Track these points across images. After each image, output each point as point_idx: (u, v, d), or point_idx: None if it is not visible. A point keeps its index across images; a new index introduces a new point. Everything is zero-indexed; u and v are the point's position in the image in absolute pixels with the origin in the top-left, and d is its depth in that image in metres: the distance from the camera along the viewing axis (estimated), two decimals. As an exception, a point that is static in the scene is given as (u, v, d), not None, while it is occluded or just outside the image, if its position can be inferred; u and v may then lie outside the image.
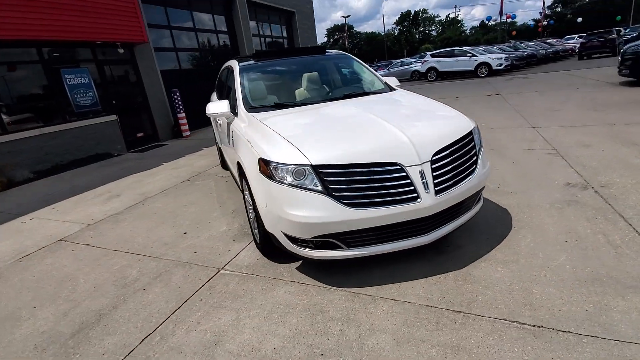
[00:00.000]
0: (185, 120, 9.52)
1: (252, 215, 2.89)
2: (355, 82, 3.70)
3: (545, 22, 40.20)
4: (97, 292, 2.59)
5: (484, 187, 2.55)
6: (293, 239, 2.20)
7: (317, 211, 2.01)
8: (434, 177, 2.11)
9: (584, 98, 7.62)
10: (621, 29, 23.06)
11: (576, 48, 21.82)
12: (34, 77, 6.83)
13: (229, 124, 3.32)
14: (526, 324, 1.79)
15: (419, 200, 2.05)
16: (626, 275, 2.05)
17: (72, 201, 4.93)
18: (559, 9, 56.19)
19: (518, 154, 4.49)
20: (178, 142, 9.06)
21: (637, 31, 23.54)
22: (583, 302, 1.89)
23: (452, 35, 59.97)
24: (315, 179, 2.05)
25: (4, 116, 6.37)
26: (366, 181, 2.05)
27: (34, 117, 6.79)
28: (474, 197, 2.44)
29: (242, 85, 3.28)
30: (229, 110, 3.15)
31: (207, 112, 3.22)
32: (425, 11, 73.38)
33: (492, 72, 16.41)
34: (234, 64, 3.70)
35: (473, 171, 2.34)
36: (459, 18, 71.83)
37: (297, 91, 3.34)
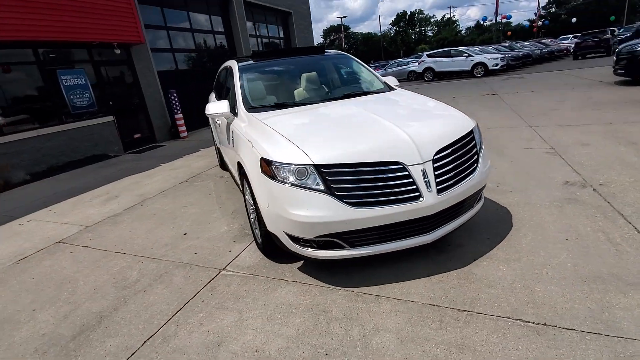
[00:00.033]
0: (182, 121, 9.48)
1: (252, 215, 2.88)
2: (354, 82, 3.70)
3: (540, 23, 40.49)
4: (97, 294, 2.57)
5: (484, 186, 2.56)
6: (295, 239, 2.19)
7: (320, 211, 2.01)
8: (436, 176, 2.12)
9: (580, 97, 7.67)
10: (615, 29, 23.26)
11: (571, 48, 21.98)
12: (29, 78, 6.77)
13: (228, 124, 3.31)
14: (529, 322, 1.79)
15: (421, 199, 2.05)
16: (627, 273, 2.06)
17: (70, 203, 4.89)
18: (554, 10, 56.63)
19: (516, 153, 4.52)
20: (175, 143, 9.02)
21: (630, 31, 23.77)
22: (585, 299, 1.90)
23: (447, 35, 60.26)
24: (318, 178, 2.04)
25: (-1, 118, 6.32)
26: (368, 180, 2.05)
27: (30, 119, 6.73)
28: (475, 196, 2.44)
29: (242, 86, 3.27)
30: (229, 110, 3.14)
31: (206, 112, 3.21)
32: (421, 12, 73.63)
33: (488, 72, 16.49)
34: (233, 64, 3.69)
35: (474, 170, 2.35)
36: (454, 19, 72.22)
37: (297, 91, 3.34)
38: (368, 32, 70.57)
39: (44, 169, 6.75)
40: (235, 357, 1.81)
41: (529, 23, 48.00)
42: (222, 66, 4.68)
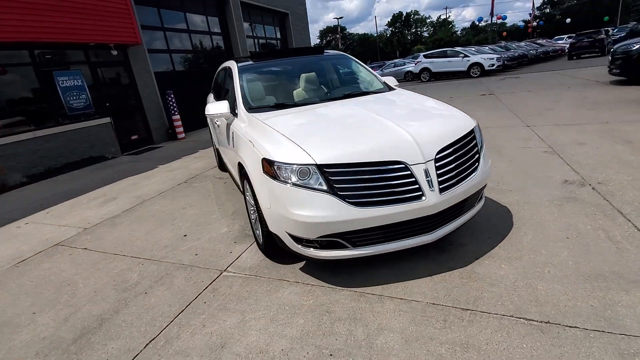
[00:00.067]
0: (179, 122, 9.45)
1: (253, 216, 2.88)
2: (354, 82, 3.71)
3: (534, 23, 40.77)
4: (97, 296, 2.55)
5: (485, 185, 2.57)
6: (298, 239, 2.19)
7: (323, 211, 2.01)
8: (438, 176, 2.12)
9: (576, 97, 7.73)
10: (609, 29, 23.47)
11: (566, 48, 22.16)
12: (25, 79, 6.72)
13: (228, 125, 3.30)
14: (533, 320, 1.80)
15: (423, 198, 2.05)
16: (628, 271, 2.08)
17: (67, 205, 4.85)
18: (548, 10, 57.07)
19: (515, 153, 4.54)
20: (173, 144, 8.99)
21: (624, 31, 24.00)
22: (588, 297, 1.91)
23: (443, 36, 60.52)
24: (321, 178, 2.04)
25: (-5, 119, 6.26)
26: (371, 180, 2.05)
27: (26, 121, 6.67)
28: (477, 195, 2.45)
29: (242, 86, 3.26)
30: (229, 111, 3.13)
31: (206, 112, 3.20)
32: (416, 12, 73.96)
33: (484, 73, 16.59)
34: (233, 64, 3.68)
35: (476, 169, 2.35)
36: (450, 19, 72.58)
37: (297, 91, 3.34)
38: (364, 33, 70.76)
39: (40, 171, 6.69)
40: (239, 359, 1.80)
41: (523, 24, 48.30)
42: (221, 67, 4.67)
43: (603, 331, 1.68)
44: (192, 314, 2.20)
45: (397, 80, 3.79)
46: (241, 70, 3.45)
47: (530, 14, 44.70)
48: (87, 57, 7.74)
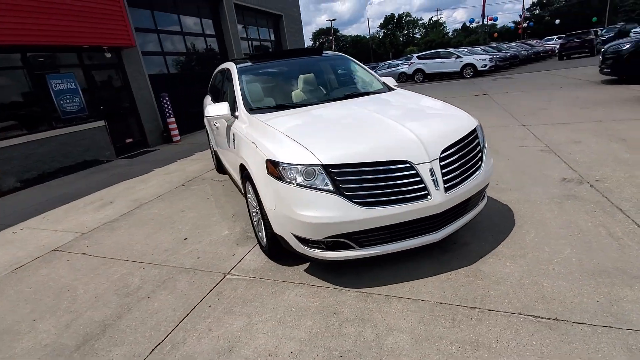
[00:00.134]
0: (175, 125, 9.37)
1: (256, 218, 2.86)
2: (354, 83, 3.71)
3: (525, 24, 41.34)
4: (98, 302, 2.51)
5: (488, 184, 2.58)
6: (304, 241, 2.18)
7: (329, 211, 2.00)
8: (443, 175, 2.13)
9: (569, 96, 7.84)
10: (598, 29, 23.89)
11: (556, 49, 22.50)
12: (18, 83, 6.61)
13: (228, 127, 3.28)
14: (541, 317, 1.81)
15: (429, 197, 2.06)
16: (631, 266, 2.10)
17: (63, 209, 4.77)
18: (537, 11, 57.91)
19: (512, 152, 4.58)
20: (168, 147, 8.91)
21: (613, 32, 24.45)
22: (593, 293, 1.93)
23: (435, 37, 61.04)
24: (327, 178, 2.03)
25: (-14, 124, 6.15)
26: (377, 180, 2.05)
27: (19, 125, 6.56)
28: (480, 194, 2.47)
29: (242, 87, 3.25)
30: (229, 112, 3.11)
31: (206, 114, 3.18)
32: (408, 14, 74.44)
33: (477, 73, 16.76)
34: (231, 66, 3.66)
35: (479, 168, 2.37)
36: (441, 21, 73.25)
37: (297, 92, 3.33)
38: (357, 35, 71.15)
39: (34, 175, 6.59)
40: (248, 362, 1.78)
41: (514, 25, 48.96)
42: (218, 68, 4.65)
43: (610, 327, 1.70)
44: (198, 317, 2.18)
45: (391, 81, 3.78)
46: (241, 72, 3.44)
47: (520, 15, 45.33)
48: (80, 60, 7.64)
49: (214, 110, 3.10)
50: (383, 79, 3.67)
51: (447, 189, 2.11)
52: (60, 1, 6.70)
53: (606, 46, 8.63)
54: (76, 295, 2.63)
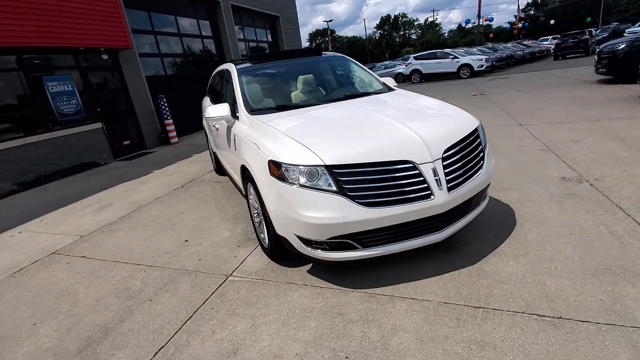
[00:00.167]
0: (172, 127, 9.34)
1: (257, 219, 2.85)
2: (355, 83, 3.71)
3: (520, 25, 41.61)
4: (100, 305, 2.49)
5: (489, 184, 2.59)
6: (307, 242, 2.17)
7: (333, 212, 2.00)
8: (446, 174, 2.13)
9: (565, 96, 7.89)
10: (592, 30, 24.09)
11: (551, 49, 22.67)
12: (13, 85, 6.56)
13: (229, 128, 3.27)
14: (545, 316, 1.81)
15: (432, 197, 2.06)
16: (633, 264, 2.11)
17: (61, 212, 4.74)
18: (532, 12, 58.33)
19: (511, 151, 4.60)
20: (166, 149, 8.87)
21: (607, 32, 24.66)
22: (596, 291, 1.93)
23: (431, 38, 61.32)
24: (330, 179, 2.03)
25: (-18, 126, 6.10)
26: (380, 180, 2.04)
27: (15, 127, 6.51)
28: (482, 194, 2.47)
29: (242, 88, 3.24)
30: (230, 113, 3.10)
31: (206, 115, 3.16)
32: (404, 15, 74.72)
33: (473, 73, 16.84)
34: (231, 67, 3.65)
35: (481, 167, 2.38)
36: (437, 22, 73.60)
37: (298, 93, 3.33)
38: (353, 36, 71.34)
39: (31, 178, 6.53)
40: (253, 364, 1.77)
41: (509, 25, 49.29)
42: (217, 69, 4.64)
43: (615, 324, 1.70)
44: (201, 320, 2.16)
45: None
46: (240, 73, 3.43)
47: (515, 16, 45.63)
48: (77, 61, 7.60)
49: (214, 111, 3.09)
50: (383, 80, 3.67)
51: (449, 189, 2.12)
52: (57, 3, 6.66)
53: (601, 46, 8.71)
54: (77, 299, 2.60)
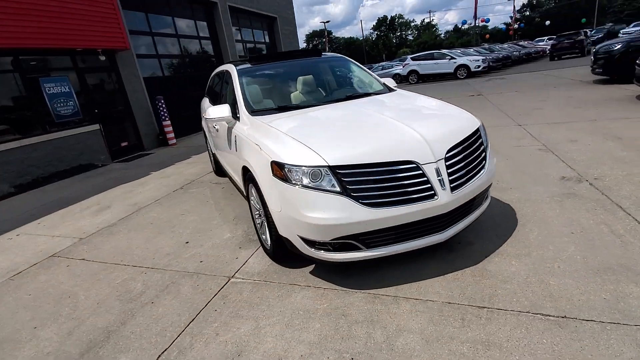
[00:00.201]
0: (170, 128, 9.30)
1: (259, 220, 2.84)
2: (355, 84, 3.71)
3: (516, 26, 41.86)
4: (101, 308, 2.47)
5: (491, 184, 2.60)
6: (310, 242, 2.16)
7: (337, 212, 1.99)
8: (449, 174, 2.13)
9: (562, 96, 7.94)
10: (587, 30, 24.29)
11: (547, 49, 22.80)
12: (10, 87, 6.50)
13: (229, 129, 3.26)
14: (550, 315, 1.81)
15: (436, 197, 2.06)
16: (635, 263, 2.12)
17: (60, 214, 4.70)
18: (528, 13, 58.72)
19: (510, 151, 4.62)
20: (164, 150, 8.83)
21: (602, 32, 24.87)
22: (599, 290, 1.94)
23: (427, 39, 61.56)
24: (333, 179, 2.02)
25: (-22, 128, 6.04)
26: (384, 180, 2.04)
27: (12, 129, 6.46)
28: (484, 194, 2.48)
29: (243, 89, 3.23)
30: (231, 114, 3.09)
31: (206, 116, 3.15)
32: (401, 16, 75.15)
33: (470, 74, 16.92)
34: (231, 68, 3.64)
35: (483, 167, 2.38)
36: (433, 23, 73.91)
37: (299, 94, 3.32)
38: (350, 37, 71.52)
39: (28, 180, 6.48)
40: (257, 366, 1.76)
41: (505, 26, 49.58)
42: (216, 70, 4.63)
43: (619, 323, 1.71)
44: (204, 322, 2.15)
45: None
46: (241, 74, 3.42)
47: (511, 17, 45.91)
48: (74, 63, 7.56)
49: (215, 112, 3.07)
50: (383, 80, 3.68)
51: (453, 189, 2.12)
52: (53, 4, 6.62)
53: (598, 47, 8.77)
54: (77, 302, 2.58)
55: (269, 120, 2.71)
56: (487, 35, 45.80)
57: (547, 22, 43.51)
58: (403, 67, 19.75)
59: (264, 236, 2.77)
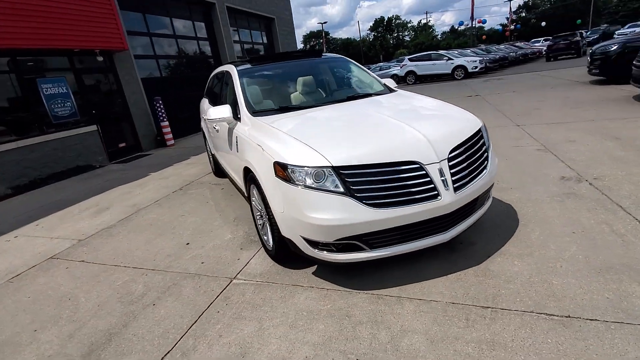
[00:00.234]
0: (169, 129, 9.27)
1: (260, 221, 2.83)
2: (356, 84, 3.71)
3: (512, 27, 42.11)
4: (102, 310, 2.45)
5: (493, 184, 2.60)
6: (313, 243, 2.16)
7: (340, 213, 1.99)
8: (452, 175, 2.13)
9: (560, 97, 7.98)
10: (583, 31, 24.46)
11: (543, 50, 22.95)
12: (7, 87, 6.45)
13: (230, 130, 3.25)
14: (554, 315, 1.82)
15: (439, 197, 2.06)
16: (637, 262, 2.13)
17: (58, 216, 4.66)
18: (524, 14, 59.07)
19: (509, 151, 4.64)
20: (162, 151, 8.80)
21: (597, 33, 25.05)
22: (602, 290, 1.95)
23: (424, 40, 61.78)
24: (337, 180, 2.02)
25: (-25, 130, 5.99)
26: (387, 181, 2.04)
27: (9, 130, 6.40)
28: (486, 194, 2.48)
29: (244, 90, 3.22)
30: (232, 115, 3.08)
31: (207, 117, 3.14)
32: (398, 17, 75.28)
33: (468, 75, 16.99)
34: (231, 68, 3.63)
35: (485, 167, 2.39)
36: (430, 24, 74.15)
37: (300, 94, 3.32)
38: (347, 38, 71.63)
39: (25, 182, 6.43)
40: (262, 368, 1.75)
41: (501, 27, 49.86)
42: (216, 71, 4.61)
43: (622, 322, 1.72)
44: (207, 324, 2.14)
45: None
46: (241, 74, 3.41)
47: (507, 18, 46.18)
48: (71, 63, 7.51)
49: (216, 113, 3.06)
50: (384, 81, 3.68)
51: (456, 189, 2.12)
52: (51, 4, 6.58)
53: (594, 47, 8.83)
54: (78, 304, 2.56)
55: (271, 121, 2.70)
56: (484, 37, 46.03)
57: (543, 24, 43.80)
58: (401, 68, 19.80)
59: (265, 237, 2.76)
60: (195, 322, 2.18)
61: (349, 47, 66.02)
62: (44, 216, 4.75)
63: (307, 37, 73.11)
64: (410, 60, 19.40)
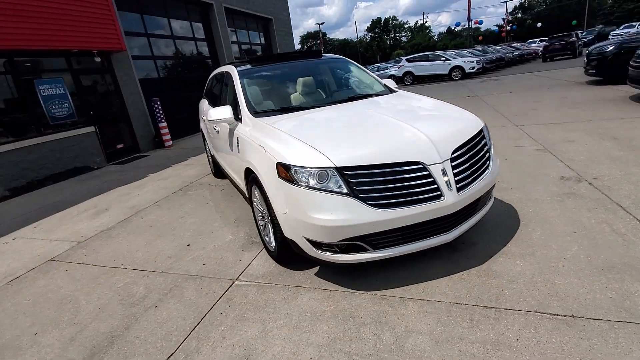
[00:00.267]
0: (167, 130, 9.23)
1: (262, 222, 2.82)
2: (357, 85, 3.72)
3: (508, 28, 42.34)
4: (103, 313, 2.43)
5: (495, 184, 2.61)
6: (317, 244, 2.15)
7: (344, 214, 1.98)
8: (455, 175, 2.14)
9: (557, 97, 8.03)
10: (578, 32, 24.64)
11: (539, 51, 23.08)
12: (4, 88, 6.40)
13: (231, 131, 3.24)
14: (557, 315, 1.82)
15: (442, 198, 2.06)
16: (638, 261, 2.14)
17: (56, 218, 4.63)
18: (520, 15, 59.42)
19: (508, 151, 4.65)
20: (160, 152, 8.76)
21: (592, 34, 25.22)
22: (605, 289, 1.96)
23: (421, 41, 62.03)
24: (340, 180, 2.02)
25: (-29, 131, 5.94)
26: (391, 181, 2.04)
27: (6, 131, 6.36)
28: (488, 194, 2.49)
29: (244, 91, 3.21)
30: (232, 116, 3.07)
31: (208, 118, 3.13)
32: (395, 18, 75.49)
33: (465, 75, 17.05)
34: (231, 69, 3.62)
35: (487, 168, 2.39)
36: (427, 24, 74.43)
37: (301, 95, 3.31)
38: (344, 39, 71.75)
39: (23, 183, 6.38)
40: (266, 370, 1.74)
41: (497, 28, 50.12)
42: (216, 72, 4.60)
43: (626, 321, 1.72)
44: (210, 326, 2.13)
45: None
46: (242, 75, 3.40)
47: (503, 19, 46.42)
48: (69, 64, 7.47)
49: (217, 114, 3.05)
50: (384, 81, 3.69)
51: (459, 190, 2.12)
52: (48, 5, 6.54)
53: (590, 48, 8.89)
54: (78, 307, 2.54)
55: (272, 122, 2.70)
56: (480, 37, 46.26)
57: (539, 24, 44.11)
58: (398, 68, 19.85)
59: (267, 238, 2.75)
60: (198, 324, 2.16)
61: (346, 48, 66.15)
62: (42, 218, 4.72)
63: (305, 38, 73.18)
64: (408, 60, 19.46)
